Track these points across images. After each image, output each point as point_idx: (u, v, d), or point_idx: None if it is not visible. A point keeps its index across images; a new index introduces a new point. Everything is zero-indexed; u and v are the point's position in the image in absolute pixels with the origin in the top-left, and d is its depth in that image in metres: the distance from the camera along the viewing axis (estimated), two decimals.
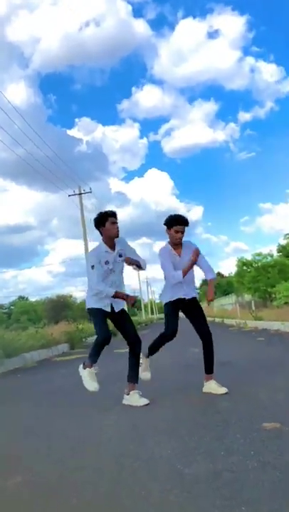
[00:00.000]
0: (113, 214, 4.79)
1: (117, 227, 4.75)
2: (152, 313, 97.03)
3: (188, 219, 4.91)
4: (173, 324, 4.94)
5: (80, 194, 31.76)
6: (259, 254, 36.07)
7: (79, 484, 2.61)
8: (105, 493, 2.43)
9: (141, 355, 4.93)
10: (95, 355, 4.77)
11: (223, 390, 4.74)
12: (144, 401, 4.61)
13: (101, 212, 4.82)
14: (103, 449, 3.24)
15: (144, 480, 2.54)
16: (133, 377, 4.81)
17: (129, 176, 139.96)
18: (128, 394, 4.74)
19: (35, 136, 36.20)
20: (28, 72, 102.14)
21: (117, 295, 4.65)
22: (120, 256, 4.80)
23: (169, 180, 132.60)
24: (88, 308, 4.85)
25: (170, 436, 3.35)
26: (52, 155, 42.52)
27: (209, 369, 4.92)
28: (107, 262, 4.72)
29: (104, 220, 4.73)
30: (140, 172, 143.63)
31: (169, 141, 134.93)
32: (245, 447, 2.92)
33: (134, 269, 4.97)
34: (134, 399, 4.66)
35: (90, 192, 32.55)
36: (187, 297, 4.93)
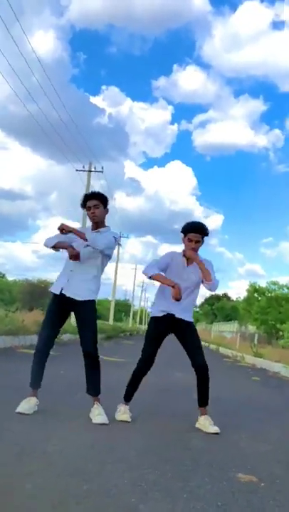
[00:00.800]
0: (91, 196, 4.84)
1: (92, 212, 4.78)
2: (141, 322, 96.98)
3: (208, 230, 4.88)
4: (147, 352, 4.89)
5: (90, 171, 31.78)
6: (275, 283, 36.13)
7: (19, 495, 2.61)
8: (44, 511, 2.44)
9: (120, 405, 4.93)
10: (32, 374, 4.89)
11: (214, 429, 4.70)
12: (101, 419, 4.59)
13: (84, 194, 4.91)
14: (52, 461, 3.24)
15: (89, 507, 2.54)
16: (89, 390, 4.81)
17: (148, 162, 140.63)
18: (92, 406, 4.77)
19: (52, 95, 36.13)
20: (61, 22, 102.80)
21: (62, 246, 4.73)
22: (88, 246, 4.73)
23: (192, 177, 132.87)
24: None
25: (129, 465, 3.35)
26: (67, 120, 42.62)
27: (203, 402, 4.90)
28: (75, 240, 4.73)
29: (84, 204, 4.85)
30: (162, 161, 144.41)
31: (202, 134, 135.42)
32: (211, 495, 2.92)
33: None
34: (93, 414, 4.67)
35: (102, 172, 32.60)
36: (177, 315, 4.82)
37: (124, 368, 9.23)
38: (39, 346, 4.87)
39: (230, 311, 57.33)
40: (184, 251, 4.87)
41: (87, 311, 4.77)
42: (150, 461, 3.49)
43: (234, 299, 69.73)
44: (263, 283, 40.00)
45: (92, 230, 4.87)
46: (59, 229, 4.68)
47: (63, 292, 4.72)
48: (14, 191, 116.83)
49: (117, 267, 54.59)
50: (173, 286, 4.59)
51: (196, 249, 4.82)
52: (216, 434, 4.64)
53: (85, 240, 4.62)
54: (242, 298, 44.40)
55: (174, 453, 3.80)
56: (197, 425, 4.87)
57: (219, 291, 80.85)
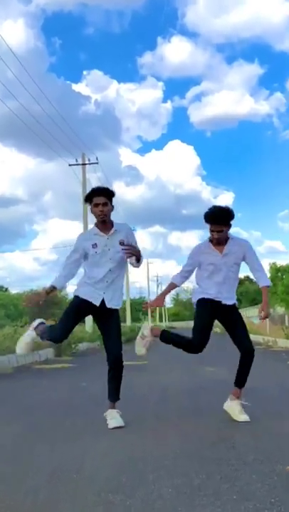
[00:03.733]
0: (98, 193, 4.89)
1: (101, 211, 4.84)
2: (161, 320, 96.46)
3: (232, 213, 5.00)
4: (200, 336, 5.10)
5: (84, 164, 31.65)
6: None
7: None
8: None
9: (147, 330, 5.22)
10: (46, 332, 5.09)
11: (244, 417, 4.87)
12: (116, 422, 4.78)
13: (90, 190, 5.00)
14: (88, 480, 3.27)
15: None
16: (111, 396, 4.97)
17: (145, 147, 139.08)
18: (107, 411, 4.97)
19: (32, 87, 36.17)
20: (30, 9, 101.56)
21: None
22: (122, 244, 4.91)
23: (194, 156, 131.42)
24: (74, 295, 5.10)
25: (173, 472, 3.38)
26: (52, 113, 42.55)
27: (239, 382, 5.11)
28: (94, 246, 4.88)
29: (90, 200, 4.89)
30: (159, 144, 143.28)
31: (199, 109, 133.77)
32: (262, 492, 2.95)
33: (130, 262, 5.13)
34: (108, 418, 4.87)
35: (97, 163, 32.48)
36: (224, 301, 5.07)
37: (146, 371, 9.27)
38: (56, 336, 5.10)
39: (255, 295, 57.18)
40: (209, 238, 5.09)
41: (117, 318, 5.05)
42: (193, 466, 3.51)
43: None
44: (284, 260, 39.84)
45: (100, 229, 4.93)
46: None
47: (107, 306, 4.89)
48: (5, 197, 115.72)
49: (127, 264, 54.50)
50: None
51: (220, 239, 4.99)
52: (246, 422, 4.80)
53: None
54: None
55: (218, 454, 3.82)
56: (225, 407, 5.05)
57: (240, 275, 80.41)
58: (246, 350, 5.06)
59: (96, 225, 4.97)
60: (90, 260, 4.92)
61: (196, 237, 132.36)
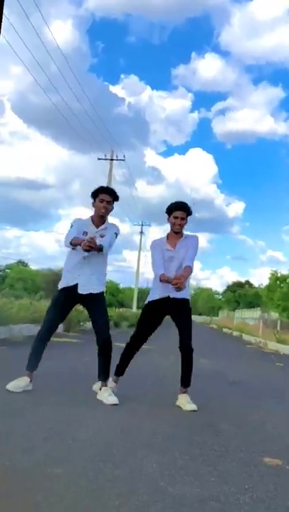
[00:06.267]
0: (106, 191, 5.00)
1: (104, 207, 4.94)
2: None
3: (191, 209, 5.11)
4: (138, 332, 5.19)
5: (112, 160, 31.65)
6: None
7: (49, 479, 2.66)
8: (76, 495, 2.48)
9: (110, 380, 5.10)
10: (31, 357, 5.17)
11: (191, 407, 4.84)
12: (113, 400, 4.75)
13: (99, 186, 5.05)
14: (82, 447, 3.29)
15: (122, 490, 2.58)
16: (101, 375, 5.03)
17: (169, 151, 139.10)
18: (100, 389, 4.97)
19: (73, 84, 36.15)
20: (79, 12, 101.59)
21: (77, 242, 4.74)
22: (102, 237, 4.92)
23: (213, 165, 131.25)
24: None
25: (159, 451, 3.38)
26: (88, 109, 42.65)
27: (185, 383, 5.08)
28: (84, 233, 4.90)
29: (96, 195, 4.98)
30: (182, 149, 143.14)
31: (222, 122, 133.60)
32: (239, 479, 2.95)
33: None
34: (104, 396, 4.84)
35: (124, 160, 32.51)
36: (172, 295, 4.98)
37: (148, 355, 9.28)
38: (43, 331, 5.12)
39: (253, 298, 56.96)
40: (168, 235, 5.17)
41: (102, 302, 5.05)
42: (178, 447, 3.51)
43: (256, 286, 69.28)
44: (284, 270, 39.70)
45: (95, 224, 4.98)
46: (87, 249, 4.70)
47: (80, 292, 4.90)
48: (37, 181, 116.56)
49: (139, 255, 54.77)
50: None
51: (181, 226, 5.06)
52: (194, 411, 4.76)
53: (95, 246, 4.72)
54: (264, 285, 44.17)
55: (203, 439, 3.82)
56: (177, 403, 4.98)
57: (242, 279, 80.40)
58: (185, 348, 5.04)
59: (92, 217, 5.02)
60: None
61: (205, 239, 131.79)
